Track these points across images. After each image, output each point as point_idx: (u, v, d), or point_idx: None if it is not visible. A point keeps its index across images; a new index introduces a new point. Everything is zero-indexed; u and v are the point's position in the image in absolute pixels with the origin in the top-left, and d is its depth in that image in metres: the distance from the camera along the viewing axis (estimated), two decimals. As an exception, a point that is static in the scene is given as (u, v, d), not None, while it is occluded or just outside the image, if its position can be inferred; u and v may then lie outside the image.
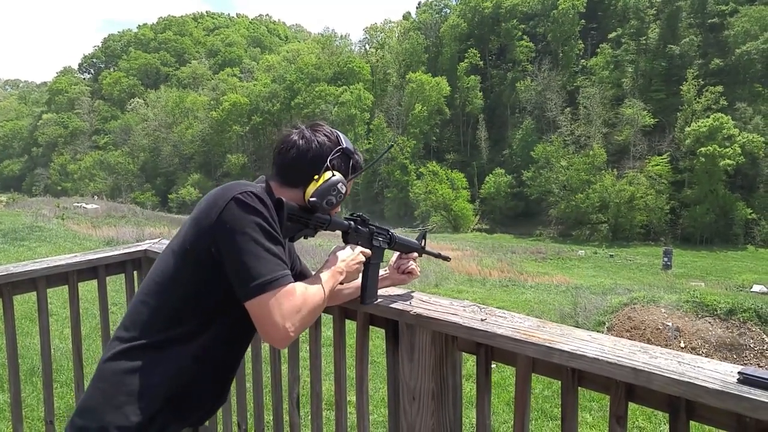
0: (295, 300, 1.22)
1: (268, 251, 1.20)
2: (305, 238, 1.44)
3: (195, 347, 1.28)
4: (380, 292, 1.67)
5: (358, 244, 1.51)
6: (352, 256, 1.47)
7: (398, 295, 1.68)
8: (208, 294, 1.27)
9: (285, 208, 1.28)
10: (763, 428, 1.01)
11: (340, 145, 1.41)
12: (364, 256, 1.51)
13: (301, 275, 1.54)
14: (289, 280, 1.22)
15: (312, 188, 1.35)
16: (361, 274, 1.55)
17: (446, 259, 1.88)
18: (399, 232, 1.73)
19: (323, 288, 1.34)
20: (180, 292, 1.27)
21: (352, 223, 1.51)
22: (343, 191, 1.38)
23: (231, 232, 1.20)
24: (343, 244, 1.51)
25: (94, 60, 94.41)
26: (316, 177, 1.36)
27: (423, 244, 1.74)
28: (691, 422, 1.12)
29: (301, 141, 1.39)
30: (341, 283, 1.47)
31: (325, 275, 1.38)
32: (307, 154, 1.38)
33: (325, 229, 1.43)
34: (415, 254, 1.72)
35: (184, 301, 1.27)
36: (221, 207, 1.22)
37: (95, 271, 2.39)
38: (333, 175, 1.36)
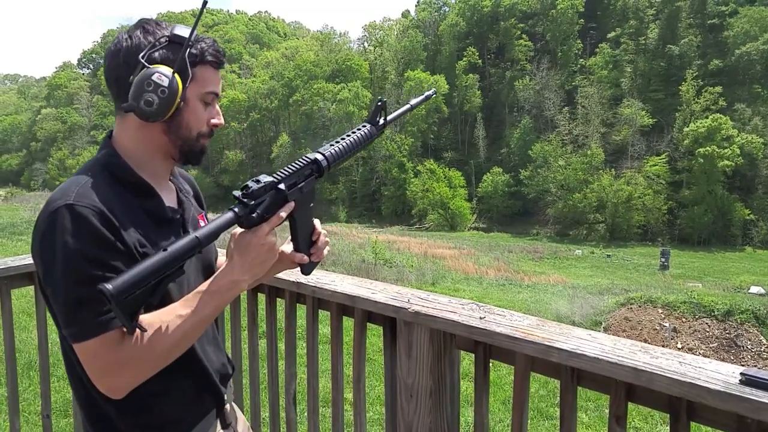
0: (114, 355, 0.94)
1: (70, 296, 0.93)
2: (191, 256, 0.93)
3: None
4: (355, 288, 1.66)
5: (265, 219, 1.03)
6: (252, 249, 1.02)
7: (396, 292, 1.67)
8: None
9: (114, 298, 0.84)
10: (765, 430, 1.00)
11: (165, 35, 1.03)
12: (275, 224, 1.05)
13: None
14: (98, 330, 0.93)
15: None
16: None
17: (431, 95, 1.40)
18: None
19: (181, 325, 0.97)
20: None
21: (234, 209, 1.00)
22: (165, 84, 0.98)
23: (41, 269, 0.98)
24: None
25: (94, 55, 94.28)
26: (131, 79, 1.00)
27: (382, 118, 1.26)
28: (692, 423, 1.12)
29: (112, 46, 1.05)
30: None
31: (193, 302, 0.99)
32: (118, 56, 1.03)
33: (201, 246, 0.93)
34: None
35: None
36: (32, 239, 1.00)
37: (91, 265, 2.37)
38: (147, 69, 0.99)
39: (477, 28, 63.30)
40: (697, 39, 50.82)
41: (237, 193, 1.01)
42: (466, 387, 4.20)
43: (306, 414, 1.96)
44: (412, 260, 21.87)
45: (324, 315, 1.86)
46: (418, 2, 74.00)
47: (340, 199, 55.43)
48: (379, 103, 1.24)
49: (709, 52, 50.52)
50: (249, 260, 1.02)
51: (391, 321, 1.62)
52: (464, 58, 60.63)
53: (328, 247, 1.22)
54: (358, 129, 1.22)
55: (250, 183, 1.02)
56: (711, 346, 9.23)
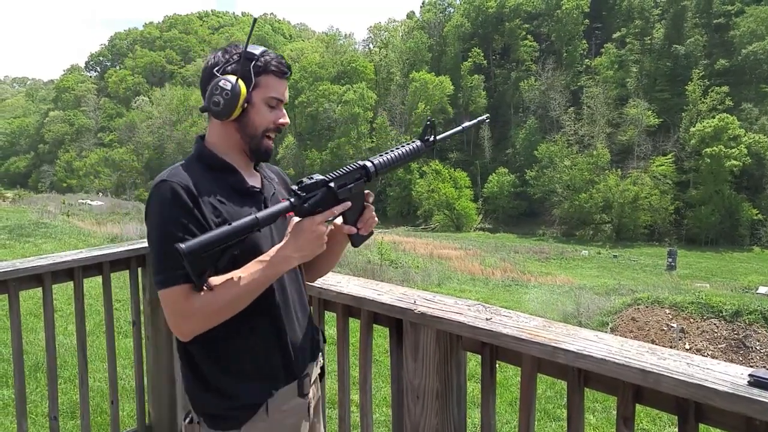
0: (184, 303, 1.16)
1: (160, 250, 1.18)
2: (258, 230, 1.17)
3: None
4: (361, 289, 1.66)
5: (317, 212, 1.22)
6: (303, 233, 1.21)
7: (402, 293, 1.67)
8: None
9: (186, 256, 1.07)
10: (774, 431, 0.99)
11: (237, 53, 1.27)
12: (328, 217, 1.23)
13: None
14: (175, 281, 1.15)
15: None
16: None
17: (484, 120, 1.51)
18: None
19: (241, 286, 1.18)
20: None
21: (290, 199, 1.20)
22: (229, 87, 1.20)
23: (147, 230, 1.24)
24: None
25: (101, 58, 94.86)
26: (208, 89, 1.26)
27: (431, 136, 1.37)
28: (700, 425, 1.11)
29: (204, 64, 1.32)
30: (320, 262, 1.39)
31: (252, 268, 1.20)
32: (204, 72, 1.29)
33: (260, 226, 1.15)
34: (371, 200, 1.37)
35: None
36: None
37: (100, 267, 2.39)
38: (217, 77, 1.24)
39: (482, 28, 63.18)
40: (703, 38, 50.48)
41: (294, 186, 1.22)
42: (473, 388, 4.19)
43: (312, 415, 1.96)
44: (418, 261, 21.85)
45: (330, 316, 1.86)
46: (423, 3, 73.95)
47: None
48: (428, 123, 1.37)
49: (715, 51, 50.18)
50: (300, 242, 1.21)
51: (397, 322, 1.62)
52: (469, 59, 60.51)
53: (376, 220, 1.36)
54: (408, 144, 1.37)
55: (305, 179, 1.21)
56: (719, 347, 9.16)
